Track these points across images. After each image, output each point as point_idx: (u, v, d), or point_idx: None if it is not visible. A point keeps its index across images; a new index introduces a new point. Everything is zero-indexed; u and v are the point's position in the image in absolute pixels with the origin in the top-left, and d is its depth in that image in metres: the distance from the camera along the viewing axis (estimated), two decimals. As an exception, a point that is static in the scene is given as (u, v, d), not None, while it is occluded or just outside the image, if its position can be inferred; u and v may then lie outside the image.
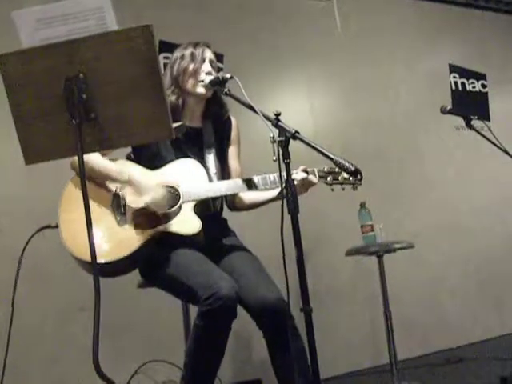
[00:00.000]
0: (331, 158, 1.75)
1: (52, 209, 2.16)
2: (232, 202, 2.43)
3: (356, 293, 3.70)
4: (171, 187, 2.15)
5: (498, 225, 4.30)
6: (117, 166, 2.15)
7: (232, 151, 2.43)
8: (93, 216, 1.42)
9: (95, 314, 1.26)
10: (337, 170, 2.22)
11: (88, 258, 1.48)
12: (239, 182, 2.17)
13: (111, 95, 1.44)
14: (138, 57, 1.43)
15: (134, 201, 2.08)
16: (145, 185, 2.06)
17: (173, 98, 2.25)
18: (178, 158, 2.23)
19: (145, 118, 1.44)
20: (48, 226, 2.24)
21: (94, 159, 2.13)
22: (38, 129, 1.45)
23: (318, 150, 1.74)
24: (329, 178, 2.24)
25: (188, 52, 2.28)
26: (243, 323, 2.12)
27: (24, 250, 2.32)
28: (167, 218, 2.08)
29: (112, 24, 1.50)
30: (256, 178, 2.16)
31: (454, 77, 4.57)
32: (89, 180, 2.11)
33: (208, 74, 2.24)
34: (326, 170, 2.25)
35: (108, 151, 2.22)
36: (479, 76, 4.67)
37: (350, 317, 3.65)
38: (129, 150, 2.38)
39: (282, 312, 1.97)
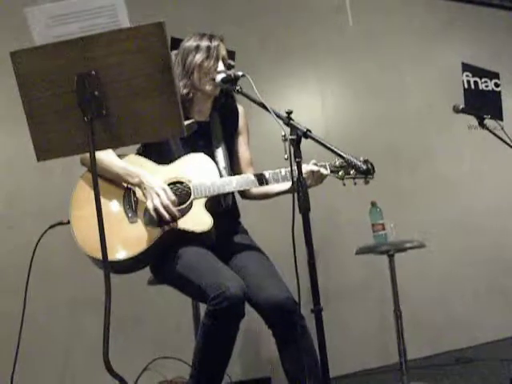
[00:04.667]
0: (343, 157, 1.74)
1: (64, 205, 2.17)
2: (243, 191, 2.42)
3: (366, 292, 3.69)
4: (182, 183, 2.14)
5: (510, 224, 4.27)
6: (128, 165, 2.14)
7: (241, 140, 2.41)
8: (104, 212, 1.42)
9: (105, 313, 1.26)
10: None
11: (100, 255, 1.49)
12: (250, 177, 2.16)
13: (123, 92, 1.45)
14: (151, 54, 1.43)
15: (144, 196, 2.08)
16: (155, 187, 2.05)
17: (184, 91, 2.23)
18: (187, 153, 2.22)
19: (156, 116, 1.45)
20: (60, 223, 2.24)
21: (106, 158, 2.13)
22: (50, 125, 1.45)
23: (329, 149, 1.74)
24: (340, 173, 2.21)
25: (204, 44, 2.23)
26: (252, 321, 2.12)
27: (36, 246, 2.32)
28: (174, 218, 2.08)
29: (124, 21, 1.51)
30: (267, 173, 2.15)
31: (467, 75, 4.54)
32: (100, 176, 2.12)
33: (220, 72, 2.23)
34: (337, 164, 2.22)
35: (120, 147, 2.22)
36: (492, 75, 4.63)
37: (360, 316, 3.64)
38: (139, 144, 2.38)
39: (292, 311, 1.97)
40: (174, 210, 2.03)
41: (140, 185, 2.08)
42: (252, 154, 2.44)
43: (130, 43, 1.44)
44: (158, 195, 2.02)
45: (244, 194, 2.43)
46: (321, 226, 3.44)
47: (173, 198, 2.05)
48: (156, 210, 2.02)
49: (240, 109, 2.42)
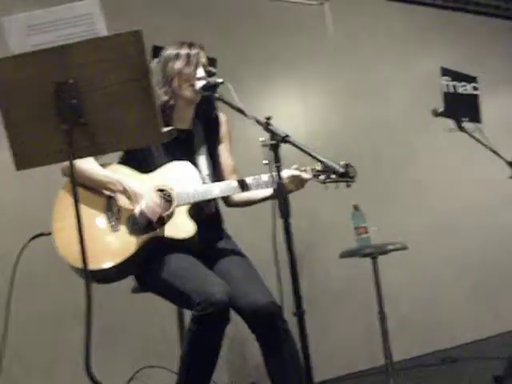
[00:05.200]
0: (321, 161, 1.76)
1: (45, 216, 2.16)
2: (226, 199, 2.42)
3: (351, 295, 3.71)
4: (164, 191, 2.15)
5: (492, 225, 4.32)
6: (110, 174, 2.14)
7: (223, 147, 2.42)
8: (86, 222, 1.42)
9: (87, 319, 1.26)
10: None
11: (81, 265, 1.49)
12: (232, 183, 2.17)
13: (101, 100, 1.45)
14: (128, 62, 1.44)
15: (127, 206, 2.08)
16: (139, 192, 2.06)
17: (165, 98, 2.24)
18: (169, 161, 2.23)
19: (135, 123, 1.45)
20: (41, 234, 2.23)
21: (87, 167, 2.13)
22: (29, 134, 1.45)
23: (308, 153, 1.76)
24: (322, 176, 2.22)
25: (183, 52, 2.25)
26: (238, 327, 2.12)
27: (18, 258, 2.30)
28: (161, 222, 2.08)
29: (102, 30, 1.51)
30: (249, 180, 2.16)
31: (446, 80, 4.58)
32: (82, 186, 2.12)
33: (200, 79, 2.24)
34: (319, 168, 2.23)
35: (100, 155, 2.22)
36: (470, 79, 4.68)
37: (346, 319, 3.66)
38: (121, 153, 2.38)
39: (275, 315, 1.98)
40: (162, 213, 2.04)
41: (124, 192, 2.08)
42: (235, 161, 2.45)
43: (108, 51, 1.44)
44: (145, 199, 2.03)
45: (228, 202, 2.44)
46: (304, 231, 3.46)
47: (158, 201, 2.05)
48: (143, 214, 2.02)
49: (222, 117, 2.43)
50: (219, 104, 2.31)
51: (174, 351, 2.35)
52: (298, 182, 2.17)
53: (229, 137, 2.45)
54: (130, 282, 2.26)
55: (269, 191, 2.23)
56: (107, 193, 2.14)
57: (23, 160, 1.48)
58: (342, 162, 2.12)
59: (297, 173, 2.17)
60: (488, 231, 4.30)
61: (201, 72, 2.25)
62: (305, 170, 2.21)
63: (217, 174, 2.35)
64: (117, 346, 3.06)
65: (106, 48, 1.44)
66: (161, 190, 2.15)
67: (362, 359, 3.63)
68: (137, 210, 2.03)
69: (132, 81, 1.43)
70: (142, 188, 2.08)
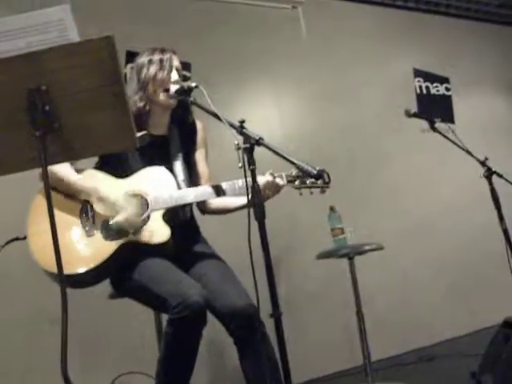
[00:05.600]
0: (294, 163, 1.78)
1: (20, 220, 2.14)
2: (202, 206, 2.44)
3: (328, 296, 3.74)
4: (140, 196, 2.15)
5: (466, 225, 4.39)
6: (85, 181, 2.14)
7: (199, 154, 2.43)
8: (61, 227, 1.42)
9: (63, 324, 1.25)
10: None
11: (55, 269, 1.48)
12: (207, 189, 2.18)
13: (74, 106, 1.44)
14: (101, 67, 1.43)
15: (103, 213, 2.08)
16: (117, 202, 2.06)
17: (140, 104, 2.25)
18: (145, 166, 2.23)
19: (108, 128, 1.45)
20: (16, 239, 2.22)
21: (63, 174, 2.12)
22: (1, 141, 1.44)
23: (281, 156, 1.77)
24: (297, 182, 2.25)
25: (156, 58, 2.27)
26: (217, 331, 2.13)
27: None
28: (142, 225, 2.08)
29: (74, 36, 1.50)
30: (224, 185, 2.18)
31: (419, 81, 4.66)
32: (57, 191, 2.11)
33: (174, 83, 2.25)
34: (293, 173, 2.25)
35: (75, 161, 2.21)
36: (443, 80, 4.78)
37: (323, 320, 3.68)
38: (97, 158, 2.37)
39: (252, 317, 1.99)
40: (138, 221, 2.04)
41: (100, 200, 2.08)
42: (210, 168, 2.46)
43: (80, 57, 1.44)
44: (124, 211, 2.04)
45: (204, 209, 2.45)
46: (281, 234, 3.48)
47: (135, 210, 2.05)
48: (121, 225, 2.03)
49: (198, 124, 2.44)
50: (194, 109, 2.33)
51: (153, 356, 2.35)
52: (274, 188, 2.19)
53: (205, 144, 2.46)
54: (107, 287, 2.26)
55: (245, 200, 2.24)
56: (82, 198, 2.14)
57: (-4, 167, 1.47)
58: (316, 168, 2.15)
59: (271, 178, 2.19)
60: (462, 230, 4.36)
61: (175, 75, 2.26)
62: (280, 176, 2.23)
63: (193, 180, 2.36)
64: (96, 353, 3.04)
65: (79, 54, 1.44)
66: (136, 196, 2.15)
67: (340, 359, 3.66)
68: (114, 221, 2.04)
69: (105, 86, 1.43)
70: (119, 197, 2.08)
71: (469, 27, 5.05)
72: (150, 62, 2.27)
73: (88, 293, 2.16)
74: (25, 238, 2.09)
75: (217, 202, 2.40)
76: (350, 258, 3.04)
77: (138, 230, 2.06)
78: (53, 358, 2.45)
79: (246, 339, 2.03)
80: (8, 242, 2.26)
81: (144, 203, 2.13)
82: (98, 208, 2.10)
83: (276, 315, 1.71)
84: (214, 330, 2.11)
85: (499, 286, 4.31)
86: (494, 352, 2.30)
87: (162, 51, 2.29)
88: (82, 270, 2.00)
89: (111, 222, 2.05)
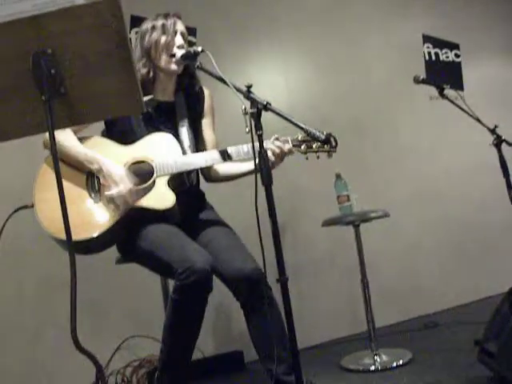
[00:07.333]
0: (302, 128, 1.77)
1: (28, 188, 2.16)
2: (207, 173, 2.43)
3: (334, 263, 3.75)
4: (145, 162, 2.14)
5: (472, 191, 4.36)
6: (88, 151, 2.13)
7: (206, 122, 2.42)
8: (67, 194, 1.42)
9: (72, 289, 1.27)
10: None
11: (64, 236, 1.49)
12: (213, 154, 2.17)
13: (80, 70, 1.43)
14: (107, 30, 1.42)
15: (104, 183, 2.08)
16: (114, 176, 2.06)
17: (144, 71, 2.23)
18: (150, 132, 2.22)
19: (115, 92, 1.44)
20: (25, 207, 2.22)
21: (67, 144, 2.12)
22: (6, 106, 1.43)
23: (289, 121, 1.76)
24: (303, 147, 2.22)
25: (159, 23, 2.25)
26: (224, 295, 2.15)
27: (1, 230, 2.30)
28: (141, 193, 2.08)
29: (79, -2, 1.48)
30: (230, 149, 2.16)
31: (428, 47, 4.59)
32: (62, 160, 2.11)
33: (180, 47, 2.22)
34: (299, 138, 2.23)
35: (80, 127, 2.21)
36: (452, 46, 4.70)
37: (329, 287, 3.71)
38: (103, 126, 2.37)
39: (258, 281, 2.00)
40: (131, 199, 2.04)
41: (99, 172, 2.08)
42: (217, 135, 2.45)
43: (85, 20, 1.42)
44: (116, 184, 2.04)
45: (209, 177, 2.44)
46: (287, 201, 3.49)
47: (129, 186, 2.05)
48: (114, 200, 2.04)
49: (206, 91, 2.43)
50: (201, 76, 2.31)
51: (159, 320, 2.38)
52: (280, 153, 2.17)
53: (212, 111, 2.45)
54: (114, 252, 2.28)
55: (251, 165, 2.23)
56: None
57: (1, 132, 1.47)
58: (324, 132, 2.13)
59: (277, 143, 2.17)
60: (469, 197, 4.34)
61: (179, 40, 2.23)
62: (286, 140, 2.21)
63: (199, 147, 2.35)
64: (103, 317, 3.09)
65: (84, 16, 1.42)
66: (142, 162, 2.15)
67: (345, 325, 3.69)
68: (109, 193, 2.04)
69: (111, 49, 1.41)
70: (118, 172, 2.07)
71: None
72: (153, 27, 2.26)
73: (94, 258, 2.19)
74: (33, 206, 2.10)
75: (222, 168, 2.39)
76: (356, 226, 3.04)
77: (128, 207, 2.06)
78: (62, 320, 2.50)
79: (253, 303, 2.05)
80: (16, 210, 2.26)
81: (149, 169, 2.12)
82: (101, 178, 2.10)
83: (282, 280, 1.72)
84: (221, 295, 2.13)
85: (505, 254, 4.33)
86: (500, 320, 2.30)
87: (166, 16, 2.27)
88: (89, 236, 2.02)
89: (107, 193, 2.05)
